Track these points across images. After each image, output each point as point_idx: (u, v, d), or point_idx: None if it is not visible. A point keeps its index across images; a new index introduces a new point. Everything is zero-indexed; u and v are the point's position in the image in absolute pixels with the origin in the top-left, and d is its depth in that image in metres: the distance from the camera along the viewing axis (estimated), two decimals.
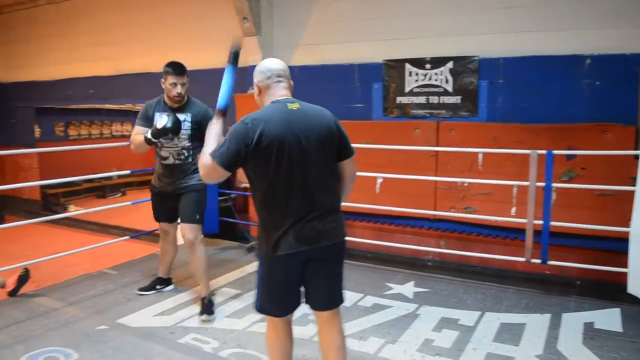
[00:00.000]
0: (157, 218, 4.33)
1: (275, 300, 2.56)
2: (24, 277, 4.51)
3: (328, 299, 2.61)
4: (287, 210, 2.41)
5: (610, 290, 4.37)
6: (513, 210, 4.83)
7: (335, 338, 2.64)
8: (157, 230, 7.19)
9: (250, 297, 4.38)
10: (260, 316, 3.89)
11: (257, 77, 2.55)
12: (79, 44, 8.58)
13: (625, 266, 3.81)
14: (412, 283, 4.78)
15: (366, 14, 5.89)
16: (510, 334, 3.69)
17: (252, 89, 2.61)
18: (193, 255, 4.05)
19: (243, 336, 3.65)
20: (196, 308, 4.09)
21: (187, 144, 3.98)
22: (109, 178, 11.43)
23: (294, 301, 2.58)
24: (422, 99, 5.58)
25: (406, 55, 5.62)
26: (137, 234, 6.49)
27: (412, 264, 5.45)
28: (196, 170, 3.89)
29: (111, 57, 8.16)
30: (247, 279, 4.85)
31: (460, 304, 4.29)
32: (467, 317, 3.99)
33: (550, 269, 4.75)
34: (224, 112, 2.63)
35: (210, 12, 7.04)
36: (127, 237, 6.06)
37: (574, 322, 3.90)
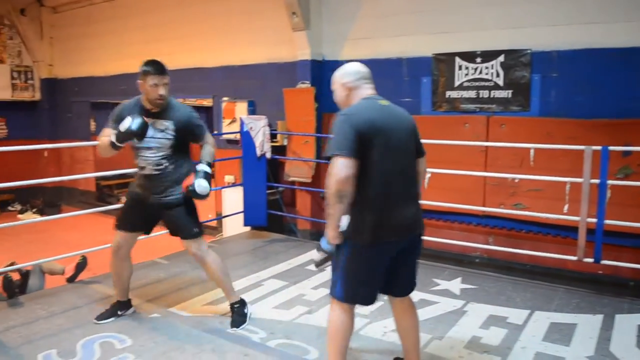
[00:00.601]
0: (122, 225, 3.69)
1: (366, 289, 2.66)
2: (81, 265, 4.70)
3: (410, 285, 2.83)
4: (389, 199, 2.55)
5: None
6: (565, 207, 4.71)
7: (416, 321, 2.89)
8: (206, 221, 7.40)
9: (297, 289, 4.44)
10: (307, 308, 3.99)
11: (345, 78, 2.71)
12: (132, 41, 8.85)
13: None
14: (459, 279, 4.73)
15: (416, 7, 5.84)
16: (561, 333, 3.61)
17: (341, 87, 2.72)
18: (205, 267, 3.70)
19: (290, 327, 3.70)
20: (244, 298, 4.16)
21: (167, 152, 3.47)
22: None
23: (378, 289, 2.72)
24: (472, 93, 5.50)
25: (456, 48, 5.56)
26: None
27: (459, 260, 5.40)
28: (179, 182, 3.57)
29: (162, 53, 8.32)
30: (294, 272, 4.91)
31: (509, 302, 4.22)
32: (515, 315, 3.92)
33: (603, 268, 4.63)
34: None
35: (259, 8, 7.13)
36: None
37: (627, 323, 3.78)
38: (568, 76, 4.97)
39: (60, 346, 3.37)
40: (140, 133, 3.26)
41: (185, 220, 3.59)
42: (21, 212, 10.37)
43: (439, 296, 4.32)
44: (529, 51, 5.13)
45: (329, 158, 2.44)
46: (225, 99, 7.66)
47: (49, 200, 10.51)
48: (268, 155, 6.29)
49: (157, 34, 8.46)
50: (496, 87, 5.35)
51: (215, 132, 7.97)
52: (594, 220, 4.32)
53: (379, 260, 2.61)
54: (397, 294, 2.81)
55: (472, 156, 5.33)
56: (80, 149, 10.38)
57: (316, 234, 6.65)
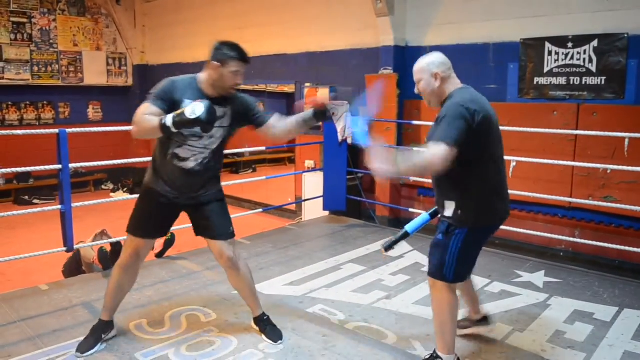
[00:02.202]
0: (143, 231, 3.14)
1: (471, 268, 2.88)
2: (170, 241, 4.95)
3: None
4: (499, 184, 2.76)
5: None
6: None
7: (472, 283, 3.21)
8: (287, 205, 7.57)
9: (375, 274, 4.47)
10: (385, 294, 4.02)
11: (439, 68, 2.73)
12: (219, 28, 9.12)
13: None
14: (542, 272, 4.58)
15: None
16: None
17: (431, 77, 2.73)
18: (236, 274, 3.24)
19: (368, 311, 3.74)
20: (323, 280, 4.25)
21: (217, 144, 3.04)
22: (242, 155, 12.06)
23: None
24: (562, 80, 5.28)
25: (546, 33, 5.35)
26: (267, 208, 6.83)
27: (542, 252, 5.23)
28: (218, 177, 3.20)
29: (248, 39, 8.50)
30: (372, 257, 4.94)
31: (596, 297, 4.05)
32: (603, 311, 3.77)
33: None
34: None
35: None
36: (259, 210, 6.40)
37: None
38: None
39: (150, 317, 3.58)
40: (212, 123, 2.75)
41: (224, 216, 3.20)
42: (113, 190, 11.01)
43: (521, 288, 4.22)
44: (625, 35, 4.85)
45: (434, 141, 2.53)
46: (307, 84, 7.76)
47: (138, 180, 11.04)
48: (349, 140, 6.32)
49: (242, 21, 8.67)
50: (588, 73, 5.10)
51: None
52: None
53: (484, 241, 2.85)
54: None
55: (560, 145, 5.13)
56: None
57: (394, 220, 6.65)
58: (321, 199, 6.33)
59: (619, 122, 4.78)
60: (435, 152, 2.46)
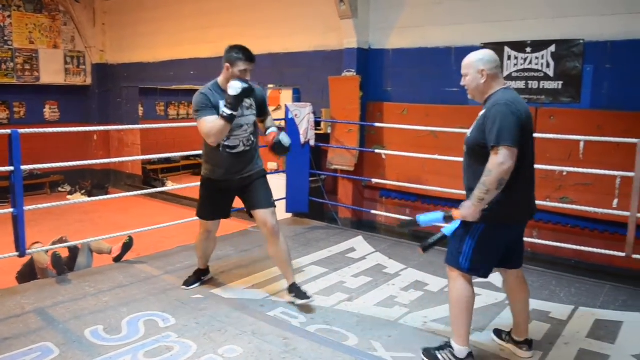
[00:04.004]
0: (209, 215, 3.92)
1: (492, 263, 2.90)
2: (128, 245, 4.84)
3: (522, 257, 3.07)
4: (529, 183, 2.83)
5: None
6: (615, 202, 4.58)
7: (528, 294, 3.10)
8: None
9: (337, 277, 4.46)
10: (346, 296, 4.01)
11: (486, 65, 2.76)
12: (183, 28, 9.02)
13: None
14: None
15: None
16: (606, 330, 3.52)
17: (478, 73, 2.77)
18: (276, 243, 3.75)
19: (330, 313, 3.72)
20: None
21: (253, 128, 3.75)
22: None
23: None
24: (520, 84, 5.38)
25: (506, 38, 5.44)
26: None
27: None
28: (259, 154, 3.84)
29: (211, 40, 8.48)
30: (335, 259, 4.93)
31: (553, 297, 4.14)
32: (559, 310, 3.85)
33: None
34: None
35: None
36: None
37: None
38: (622, 67, 4.80)
39: (107, 322, 3.49)
40: (250, 88, 3.46)
41: (267, 189, 3.80)
42: (70, 193, 10.73)
43: (480, 288, 4.25)
44: (581, 41, 4.98)
45: (492, 146, 2.59)
46: (270, 86, 7.72)
47: (97, 183, 10.83)
48: (312, 142, 6.32)
49: (206, 21, 8.58)
50: (546, 77, 5.22)
51: None
52: None
53: (507, 239, 2.88)
54: (515, 266, 3.02)
55: None
56: (128, 133, 10.64)
57: (357, 222, 6.66)
58: (284, 201, 6.29)
59: (575, 126, 4.90)
60: (500, 161, 2.54)
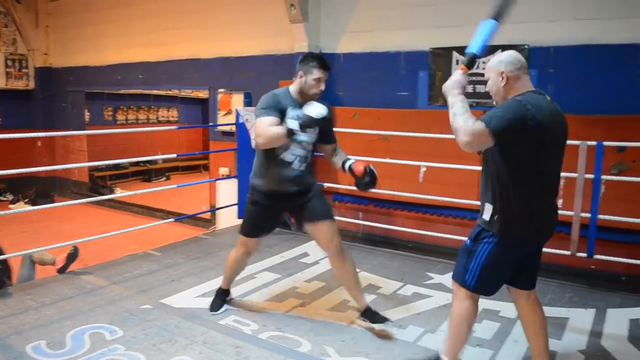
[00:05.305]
0: (258, 232, 3.64)
1: (499, 281, 2.73)
2: (72, 255, 4.66)
3: (536, 277, 2.83)
4: (543, 196, 2.59)
5: None
6: (560, 202, 4.71)
7: (545, 319, 2.85)
8: (200, 213, 7.39)
9: (290, 282, 4.42)
10: (300, 301, 3.98)
11: (506, 67, 2.61)
12: (131, 30, 8.79)
13: None
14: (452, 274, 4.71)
15: (415, 0, 5.80)
16: (553, 327, 3.59)
17: (498, 76, 2.64)
18: (343, 262, 3.52)
19: (283, 319, 3.68)
20: (237, 290, 4.14)
21: (311, 147, 3.49)
22: (154, 162, 11.71)
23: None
24: (468, 88, 5.46)
25: (453, 43, 5.53)
26: (180, 217, 6.63)
27: (454, 254, 5.31)
28: (314, 175, 3.61)
29: (161, 43, 8.32)
30: (287, 265, 4.89)
31: (502, 296, 4.12)
32: (508, 309, 3.90)
33: (596, 263, 4.62)
34: (471, 64, 2.70)
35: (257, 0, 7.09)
36: (171, 220, 6.20)
37: (619, 318, 3.79)
38: (565, 72, 4.95)
39: (50, 337, 3.34)
40: (328, 120, 3.26)
41: (326, 202, 3.60)
42: (12, 202, 10.31)
43: (432, 290, 4.32)
44: (526, 47, 5.11)
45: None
46: (221, 90, 7.62)
47: (41, 191, 10.42)
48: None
49: (156, 24, 8.39)
50: None
51: (211, 123, 7.94)
52: (588, 215, 4.32)
53: (518, 256, 2.67)
54: (527, 287, 2.79)
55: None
56: (74, 139, 10.30)
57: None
58: (236, 206, 6.21)
59: None
60: (472, 126, 2.36)
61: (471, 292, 2.69)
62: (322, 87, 3.33)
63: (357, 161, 3.39)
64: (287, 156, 3.40)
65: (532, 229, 2.58)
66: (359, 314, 3.57)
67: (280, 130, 3.18)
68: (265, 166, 3.48)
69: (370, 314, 3.51)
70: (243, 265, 3.87)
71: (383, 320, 3.47)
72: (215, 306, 3.83)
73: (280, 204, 3.54)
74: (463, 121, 2.41)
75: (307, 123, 3.16)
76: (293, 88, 3.40)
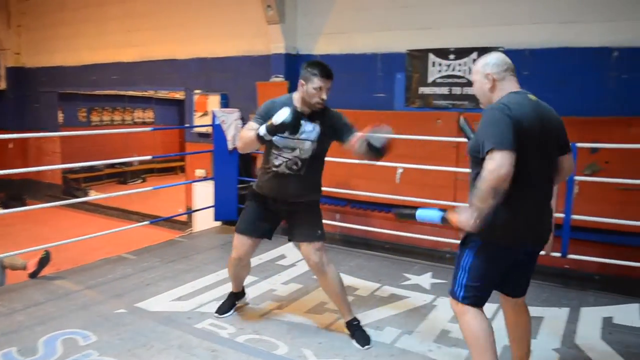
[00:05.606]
0: (248, 229, 3.52)
1: (488, 290, 2.56)
2: (44, 260, 4.58)
3: (526, 285, 2.73)
4: (531, 200, 2.45)
5: (630, 286, 4.33)
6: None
7: (529, 316, 2.78)
8: (176, 216, 7.32)
9: (267, 285, 4.40)
10: (277, 304, 3.95)
11: (492, 69, 2.54)
12: (106, 30, 8.69)
13: None
14: (429, 274, 4.74)
15: (391, 2, 5.84)
16: None
17: (484, 78, 2.57)
18: (323, 278, 3.45)
19: (260, 322, 3.66)
20: (214, 293, 4.11)
21: (308, 158, 3.30)
22: (130, 164, 11.57)
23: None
24: (444, 90, 5.52)
25: (430, 45, 5.58)
26: (156, 220, 6.55)
27: (430, 255, 5.42)
28: (313, 189, 3.45)
29: (136, 43, 8.23)
30: (264, 267, 4.86)
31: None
32: (484, 309, 3.93)
33: (569, 263, 4.69)
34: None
35: (234, 0, 7.05)
36: (146, 223, 6.13)
37: (592, 316, 3.85)
38: (538, 74, 5.02)
39: (21, 343, 3.26)
40: (294, 125, 3.10)
41: (312, 219, 3.44)
42: None
43: (409, 291, 4.33)
44: (501, 49, 5.16)
45: (486, 152, 2.25)
46: (197, 91, 7.56)
47: (13, 194, 10.23)
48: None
49: (131, 24, 8.30)
50: (469, 84, 5.37)
51: (187, 125, 7.88)
52: (562, 215, 4.38)
53: (507, 263, 2.55)
54: (517, 295, 2.70)
55: (443, 152, 5.35)
56: (47, 141, 10.12)
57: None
58: (212, 209, 6.17)
59: None
60: (492, 167, 2.20)
61: (460, 302, 2.54)
62: (324, 96, 3.18)
63: (354, 138, 3.19)
64: (275, 160, 3.32)
65: (517, 235, 2.46)
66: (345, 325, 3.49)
67: (252, 134, 3.15)
68: (260, 166, 3.50)
69: (354, 329, 3.44)
70: (239, 270, 3.69)
71: (365, 342, 3.36)
72: (222, 309, 3.78)
73: (267, 205, 3.46)
74: (485, 183, 2.23)
75: (270, 128, 3.04)
76: (296, 96, 3.30)
